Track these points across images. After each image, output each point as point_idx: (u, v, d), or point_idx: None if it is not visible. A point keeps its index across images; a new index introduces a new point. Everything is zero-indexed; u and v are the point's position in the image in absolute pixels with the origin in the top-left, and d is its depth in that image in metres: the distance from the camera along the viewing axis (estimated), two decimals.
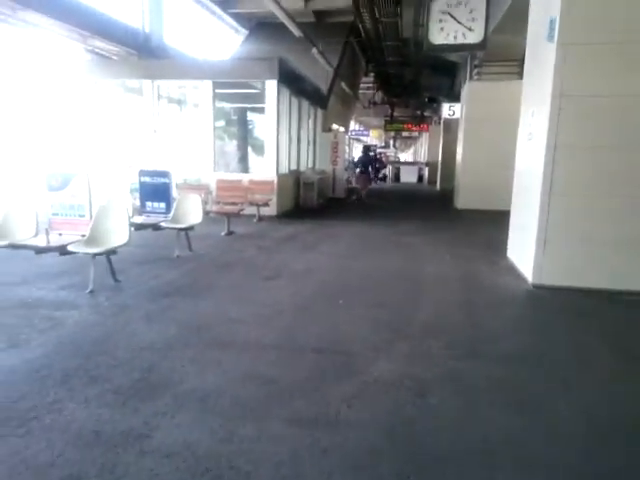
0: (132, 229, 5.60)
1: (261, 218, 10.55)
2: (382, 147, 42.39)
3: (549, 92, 5.23)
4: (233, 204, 9.79)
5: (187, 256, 6.83)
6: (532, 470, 2.36)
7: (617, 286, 5.31)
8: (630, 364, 3.66)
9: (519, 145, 6.75)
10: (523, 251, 6.08)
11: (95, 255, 5.02)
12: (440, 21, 6.20)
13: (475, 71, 13.19)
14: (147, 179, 6.98)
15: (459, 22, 6.14)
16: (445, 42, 6.29)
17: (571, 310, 4.90)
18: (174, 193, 7.99)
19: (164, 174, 6.96)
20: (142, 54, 12.50)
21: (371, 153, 21.79)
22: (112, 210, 5.48)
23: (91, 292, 4.97)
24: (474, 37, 6.21)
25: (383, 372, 3.34)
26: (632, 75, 5.06)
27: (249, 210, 10.21)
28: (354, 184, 16.90)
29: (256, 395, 2.98)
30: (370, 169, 16.86)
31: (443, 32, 6.24)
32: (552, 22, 5.13)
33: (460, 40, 6.23)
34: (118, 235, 5.25)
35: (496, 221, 9.05)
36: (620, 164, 5.20)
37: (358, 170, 16.93)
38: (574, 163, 5.29)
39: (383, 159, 31.33)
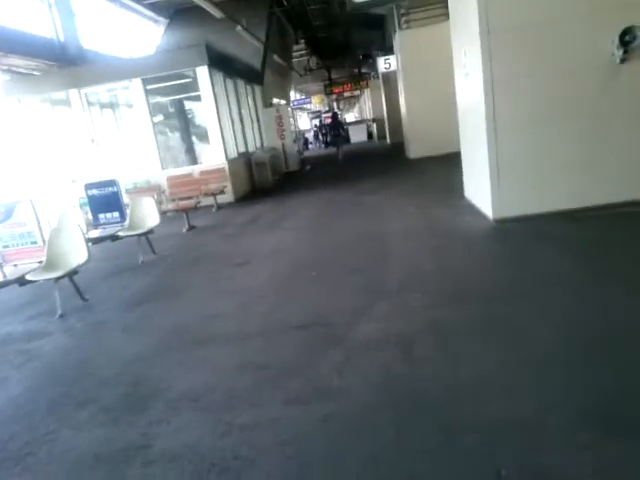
0: (90, 245, 5.44)
1: (220, 207, 10.42)
2: (326, 111, 42.02)
3: (476, 29, 5.25)
4: (189, 198, 9.61)
5: (152, 260, 6.70)
6: (521, 400, 2.47)
7: (573, 205, 5.47)
8: (602, 280, 3.78)
9: (458, 85, 6.81)
10: (479, 189, 6.21)
11: (57, 279, 4.87)
12: None
13: (403, 20, 13.12)
14: (95, 191, 6.76)
15: None
16: None
17: (535, 237, 5.05)
18: (125, 199, 7.79)
19: (111, 183, 6.75)
20: (62, 64, 11.89)
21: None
22: (65, 230, 5.31)
23: (61, 316, 4.84)
24: None
25: (367, 335, 3.41)
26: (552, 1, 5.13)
27: (206, 201, 10.07)
28: (336, 148, 18.38)
29: (248, 384, 3.00)
30: (341, 131, 19.21)
31: None
32: None
33: None
34: (76, 254, 5.09)
35: (449, 164, 9.17)
36: (558, 88, 5.29)
37: (333, 134, 18.83)
38: (513, 94, 5.36)
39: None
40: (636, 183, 5.37)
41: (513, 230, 5.37)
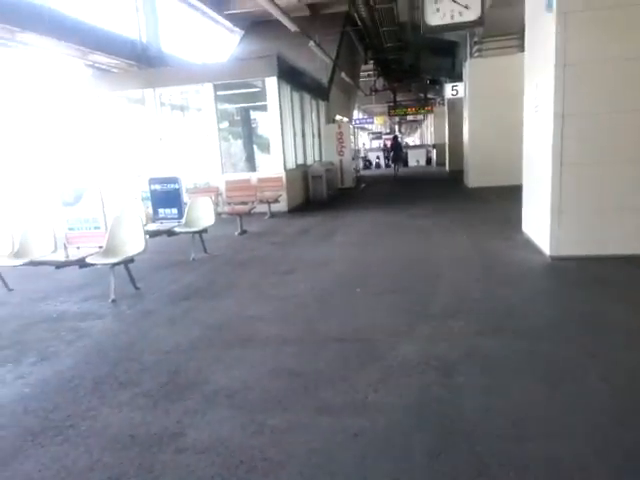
0: (147, 237, 5.67)
1: (273, 215, 10.61)
2: (387, 133, 42.10)
3: (552, 62, 5.16)
4: (244, 203, 9.85)
5: (203, 258, 6.91)
6: (561, 440, 2.36)
7: (634, 251, 5.24)
8: None
9: (526, 118, 6.67)
10: (538, 224, 6.03)
11: (114, 265, 5.11)
12: (435, 2, 6.16)
13: (475, 48, 13.05)
14: (157, 187, 7.06)
15: (454, 1, 6.07)
16: (442, 22, 6.24)
17: (591, 279, 4.85)
18: (185, 198, 8.07)
19: (173, 180, 7.03)
20: (141, 64, 12.60)
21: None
22: (126, 220, 5.57)
23: (113, 301, 5.06)
24: (471, 15, 6.16)
25: (407, 355, 3.36)
26: (634, 37, 4.97)
27: (260, 208, 10.27)
28: (391, 165, 23.10)
29: (283, 388, 3.02)
30: (400, 153, 23.29)
31: (439, 13, 6.19)
32: None
33: (457, 19, 6.18)
34: (134, 244, 5.33)
35: (508, 196, 8.98)
36: (630, 129, 5.12)
37: (392, 154, 22.72)
38: (583, 131, 5.22)
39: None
40: None
41: (569, 269, 5.16)
